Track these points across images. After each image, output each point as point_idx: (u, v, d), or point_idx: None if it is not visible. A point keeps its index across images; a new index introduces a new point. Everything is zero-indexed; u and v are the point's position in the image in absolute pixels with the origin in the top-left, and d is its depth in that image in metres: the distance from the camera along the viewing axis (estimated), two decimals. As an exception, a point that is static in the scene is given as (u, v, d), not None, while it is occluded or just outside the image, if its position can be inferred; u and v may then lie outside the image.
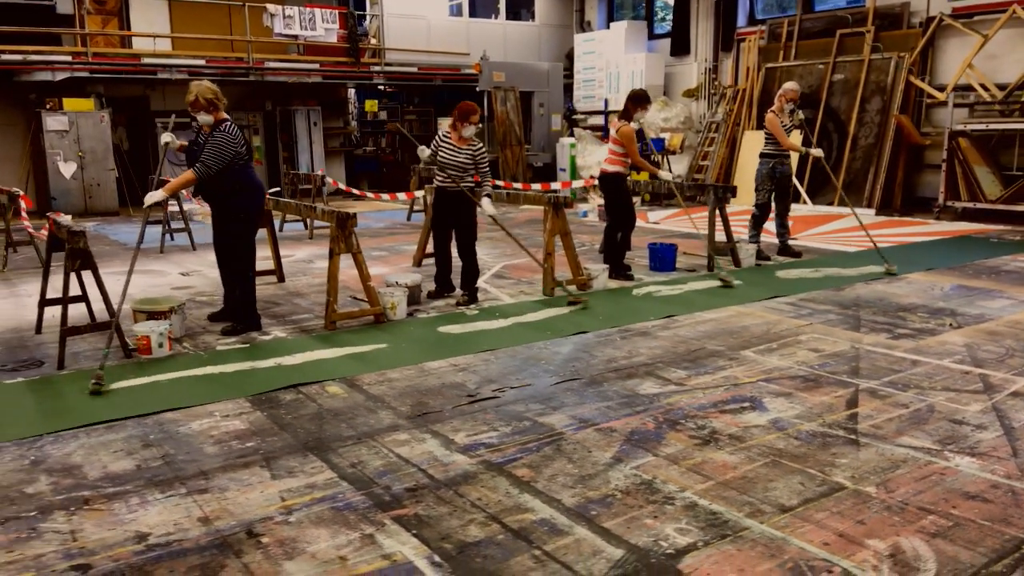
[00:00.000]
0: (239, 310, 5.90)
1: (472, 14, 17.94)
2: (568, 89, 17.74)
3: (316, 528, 3.00)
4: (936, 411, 4.09)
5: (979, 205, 11.47)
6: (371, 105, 18.00)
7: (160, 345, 5.30)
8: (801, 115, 8.67)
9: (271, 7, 15.14)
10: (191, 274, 8.34)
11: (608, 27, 18.17)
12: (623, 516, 3.04)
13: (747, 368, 4.86)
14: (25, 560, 2.81)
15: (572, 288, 6.93)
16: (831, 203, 12.84)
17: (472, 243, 6.76)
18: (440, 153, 6.61)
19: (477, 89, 16.09)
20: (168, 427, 4.06)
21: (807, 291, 6.96)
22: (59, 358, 5.09)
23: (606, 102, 16.77)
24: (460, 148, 6.63)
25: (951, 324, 5.81)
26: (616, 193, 7.80)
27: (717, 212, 8.05)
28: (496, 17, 18.17)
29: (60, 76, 13.48)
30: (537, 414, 4.15)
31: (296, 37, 15.55)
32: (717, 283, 7.22)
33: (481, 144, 6.76)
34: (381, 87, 19.50)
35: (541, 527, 2.98)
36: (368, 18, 16.52)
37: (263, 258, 6.65)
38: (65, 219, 5.60)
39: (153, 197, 5.43)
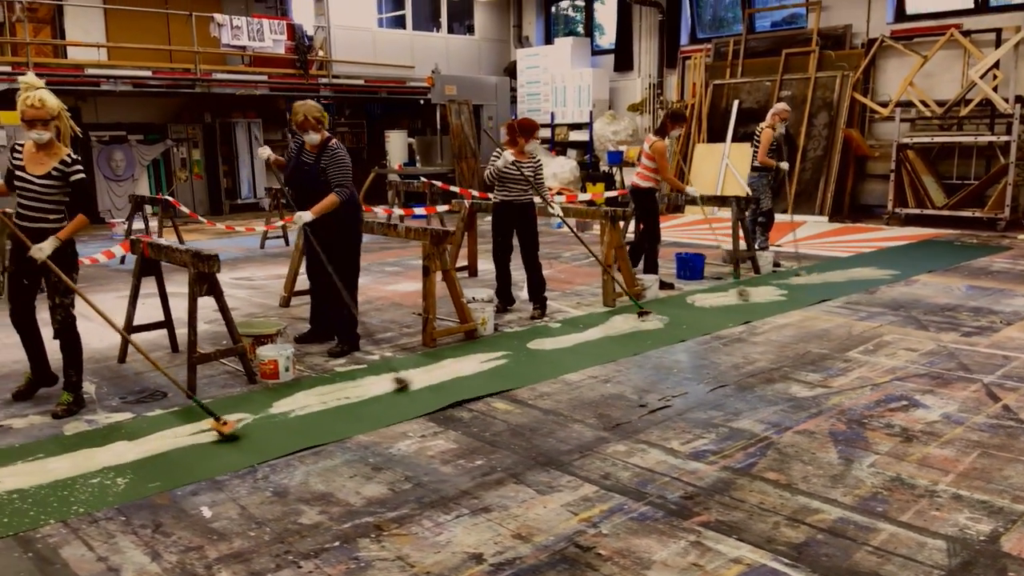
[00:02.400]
0: (342, 330, 5.79)
1: (414, 27, 17.92)
2: (512, 102, 17.98)
3: (638, 538, 3.10)
4: (1071, 400, 4.56)
5: (926, 211, 12.48)
6: (320, 118, 17.64)
7: (287, 369, 5.16)
8: (781, 129, 9.24)
9: (219, 17, 14.65)
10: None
11: (546, 43, 18.60)
12: (910, 510, 3.28)
13: (868, 368, 5.21)
14: (385, 589, 2.78)
15: (629, 298, 7.16)
16: (784, 211, 13.60)
17: (536, 255, 6.89)
18: (505, 168, 6.73)
19: (432, 102, 16.09)
20: (376, 450, 4.01)
21: (844, 294, 7.45)
22: (189, 385, 4.87)
23: (552, 115, 17.13)
24: (522, 162, 6.76)
25: (1001, 321, 6.39)
26: (650, 207, 8.07)
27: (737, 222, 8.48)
28: (437, 31, 18.22)
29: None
30: (724, 421, 4.34)
31: (244, 48, 15.10)
32: (751, 288, 7.60)
33: (539, 158, 6.92)
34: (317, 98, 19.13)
35: (846, 525, 3.18)
36: (314, 29, 16.22)
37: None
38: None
39: (303, 218, 5.32)
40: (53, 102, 4.40)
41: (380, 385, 5.00)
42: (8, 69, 12.64)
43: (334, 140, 5.61)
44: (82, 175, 4.52)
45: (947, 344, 5.75)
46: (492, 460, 3.87)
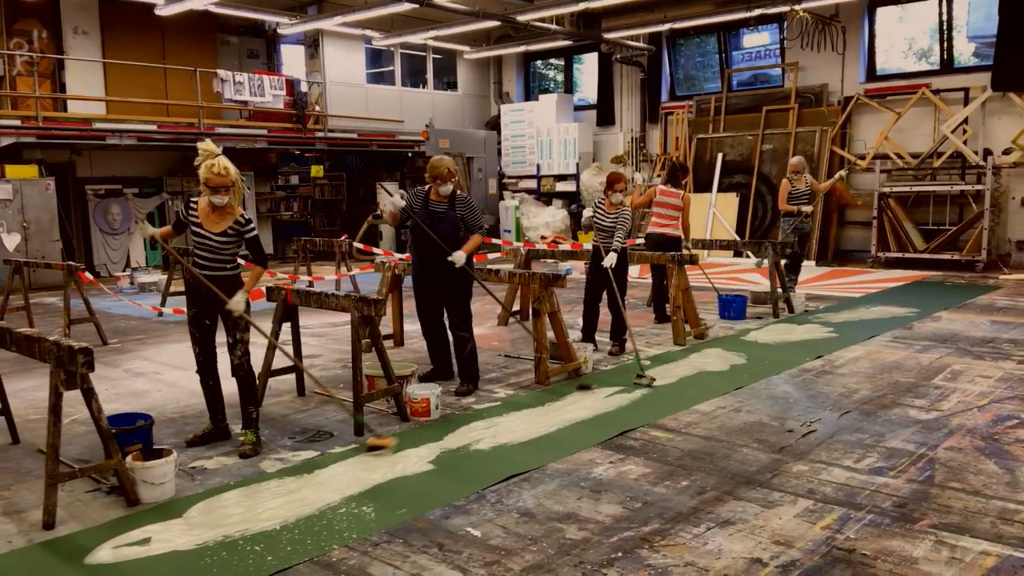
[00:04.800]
0: (466, 369, 6.08)
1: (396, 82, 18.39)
2: (497, 155, 18.56)
3: (887, 540, 3.50)
4: None
5: (907, 255, 13.43)
6: (317, 170, 17.86)
7: (436, 407, 5.42)
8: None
9: (222, 73, 14.86)
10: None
11: (525, 99, 19.33)
12: (1095, 505, 3.78)
13: (961, 394, 5.77)
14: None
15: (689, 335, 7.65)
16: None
17: (620, 299, 7.32)
18: (595, 216, 7.21)
19: (426, 154, 16.50)
20: (579, 475, 4.32)
21: (886, 330, 8.08)
22: (357, 425, 5.09)
23: (538, 167, 17.76)
24: (608, 212, 7.23)
25: (1044, 351, 7.09)
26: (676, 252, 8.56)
27: (773, 264, 9.10)
28: (423, 87, 18.73)
29: (6, 141, 12.47)
30: (875, 442, 4.79)
31: (246, 103, 15.31)
32: (798, 326, 8.18)
33: (627, 208, 7.38)
34: (297, 152, 19.36)
35: (1051, 519, 3.65)
36: (308, 85, 16.53)
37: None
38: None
39: (461, 258, 5.67)
40: (232, 169, 4.69)
41: (528, 420, 5.31)
42: (18, 123, 12.56)
43: (460, 190, 6.02)
44: (255, 233, 4.86)
45: (1011, 371, 6.38)
46: (695, 481, 4.23)
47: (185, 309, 4.98)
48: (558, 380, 6.37)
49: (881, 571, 3.23)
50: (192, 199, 4.83)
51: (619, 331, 7.36)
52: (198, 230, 4.76)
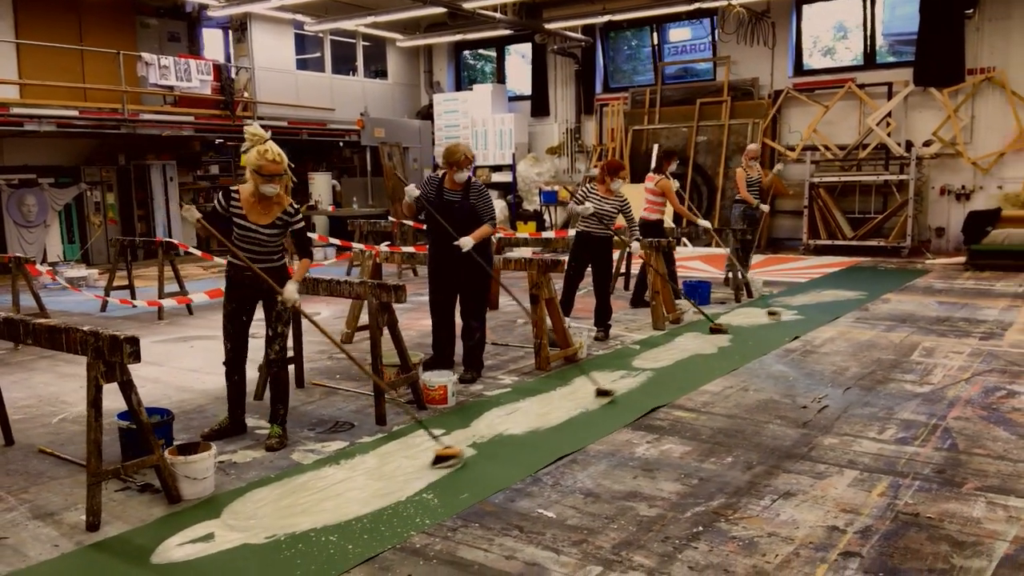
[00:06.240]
0: (473, 357, 6.03)
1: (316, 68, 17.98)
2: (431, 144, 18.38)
3: (943, 504, 3.67)
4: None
5: (837, 242, 14.05)
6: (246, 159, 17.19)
7: (453, 395, 5.36)
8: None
9: (147, 56, 14.18)
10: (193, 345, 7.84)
11: (456, 89, 19.22)
12: (1113, 465, 4.07)
13: (944, 369, 6.09)
14: None
15: (669, 319, 7.81)
16: (707, 245, 14.82)
17: (608, 283, 7.40)
18: (589, 202, 7.23)
19: (361, 143, 16.23)
20: (623, 455, 4.35)
21: (845, 312, 8.44)
22: (380, 415, 4.98)
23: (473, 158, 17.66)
24: (607, 198, 7.27)
25: (999, 330, 7.54)
26: (660, 237, 8.75)
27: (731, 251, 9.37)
28: (354, 75, 18.36)
29: (-85, 126, 11.58)
30: (887, 415, 5.01)
31: (172, 88, 14.66)
32: (762, 310, 8.45)
33: (626, 197, 7.41)
34: (219, 140, 18.68)
35: (1080, 479, 3.90)
36: (236, 71, 15.95)
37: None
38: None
39: (468, 244, 5.56)
40: (284, 156, 4.43)
41: (545, 405, 5.32)
42: (-71, 107, 11.67)
43: (476, 178, 5.95)
44: (302, 224, 4.63)
45: (978, 347, 6.77)
46: (739, 457, 4.32)
47: (224, 302, 4.74)
48: (557, 366, 6.39)
49: (952, 532, 3.39)
50: (232, 189, 4.58)
51: (604, 316, 7.42)
52: (242, 223, 4.50)
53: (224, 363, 4.72)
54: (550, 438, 4.67)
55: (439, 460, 4.20)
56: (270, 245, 4.54)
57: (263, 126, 11.93)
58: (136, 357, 3.54)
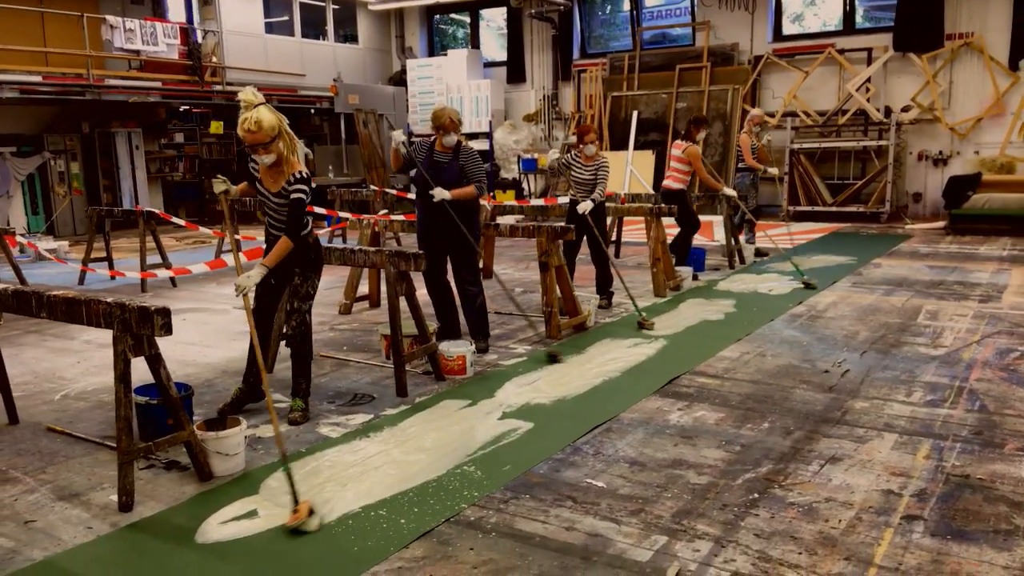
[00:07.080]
0: (479, 324, 5.90)
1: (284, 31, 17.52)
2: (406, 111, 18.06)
3: (989, 465, 3.67)
4: None
5: (817, 208, 14.12)
6: (216, 127, 16.73)
7: (471, 364, 5.25)
8: (768, 137, 10.34)
9: (111, 19, 13.64)
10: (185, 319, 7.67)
11: (429, 54, 18.86)
12: None
13: (952, 332, 6.12)
14: None
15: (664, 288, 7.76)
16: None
17: (604, 251, 7.30)
18: (572, 170, 7.12)
19: (335, 111, 15.87)
20: (657, 423, 4.29)
21: (842, 277, 8.47)
22: (401, 386, 4.85)
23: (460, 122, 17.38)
24: (586, 165, 7.15)
25: (995, 292, 7.61)
26: (684, 205, 8.68)
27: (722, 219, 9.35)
28: (324, 39, 17.90)
29: None
30: (909, 378, 5.01)
31: (138, 52, 14.14)
32: (758, 275, 8.45)
33: (604, 160, 7.29)
34: (185, 107, 18.14)
35: (1117, 438, 3.93)
36: (203, 34, 15.44)
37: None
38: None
39: (442, 194, 5.46)
40: (269, 122, 4.06)
41: (565, 373, 5.23)
42: None
43: (465, 141, 5.81)
44: (299, 195, 4.23)
45: (980, 310, 6.82)
46: (774, 423, 4.28)
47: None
48: (567, 334, 6.30)
49: (1006, 492, 3.38)
50: None
51: (606, 284, 7.34)
52: (260, 188, 4.32)
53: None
54: (580, 407, 4.59)
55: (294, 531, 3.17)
56: (283, 214, 4.32)
57: (233, 92, 11.31)
58: (168, 329, 3.36)
